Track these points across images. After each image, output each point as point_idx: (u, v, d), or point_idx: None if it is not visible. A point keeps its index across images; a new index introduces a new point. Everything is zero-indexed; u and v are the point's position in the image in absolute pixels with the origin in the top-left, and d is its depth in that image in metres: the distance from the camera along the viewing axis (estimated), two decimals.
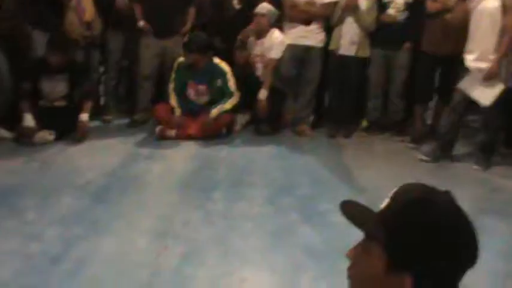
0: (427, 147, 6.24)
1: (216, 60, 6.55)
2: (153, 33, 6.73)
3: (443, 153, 6.02)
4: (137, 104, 6.97)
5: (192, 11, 6.92)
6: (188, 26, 6.92)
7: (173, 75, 6.60)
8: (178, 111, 6.53)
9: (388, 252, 1.25)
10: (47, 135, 6.08)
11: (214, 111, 6.45)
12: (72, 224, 4.15)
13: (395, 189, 1.33)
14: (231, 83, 6.53)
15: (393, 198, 1.31)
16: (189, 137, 6.39)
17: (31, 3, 6.44)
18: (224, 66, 6.55)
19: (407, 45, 6.56)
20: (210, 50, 6.52)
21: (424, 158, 6.03)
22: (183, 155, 5.97)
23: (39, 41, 6.40)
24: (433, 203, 1.26)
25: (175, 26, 6.84)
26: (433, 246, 1.22)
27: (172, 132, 6.41)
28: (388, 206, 1.30)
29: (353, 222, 1.34)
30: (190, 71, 6.53)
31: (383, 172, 5.48)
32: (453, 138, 6.06)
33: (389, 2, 6.49)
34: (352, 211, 1.37)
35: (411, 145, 6.50)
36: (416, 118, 6.70)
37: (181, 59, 6.59)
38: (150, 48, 6.76)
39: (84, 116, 6.23)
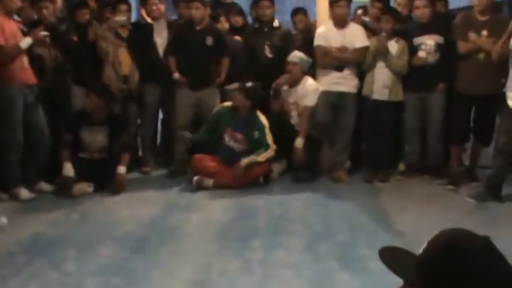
0: (470, 189, 6.17)
1: (259, 113, 6.63)
2: (188, 85, 6.83)
3: (492, 197, 5.93)
4: (174, 155, 7.04)
5: (226, 62, 7.03)
6: (223, 77, 7.03)
7: (211, 116, 6.76)
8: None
9: None
10: (86, 187, 6.18)
11: (245, 161, 6.47)
12: (111, 275, 4.18)
13: (433, 235, 1.32)
14: (269, 137, 6.57)
15: (431, 244, 1.31)
16: (227, 187, 6.42)
17: (71, 59, 6.62)
18: (263, 119, 6.62)
19: (441, 86, 6.54)
20: (258, 103, 6.62)
21: (470, 200, 5.95)
22: (221, 205, 5.99)
23: (79, 95, 6.57)
24: (469, 249, 1.26)
25: (210, 77, 6.95)
26: None
27: (209, 182, 6.45)
28: (425, 252, 1.30)
29: (391, 268, 1.33)
30: (231, 117, 6.63)
31: (422, 216, 5.42)
32: (501, 181, 5.95)
33: (419, 45, 6.51)
34: (391, 257, 1.37)
35: (450, 187, 6.43)
36: (453, 159, 6.64)
37: (225, 103, 6.73)
38: (185, 100, 6.87)
39: (122, 169, 6.33)
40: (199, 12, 6.82)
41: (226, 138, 6.68)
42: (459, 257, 1.24)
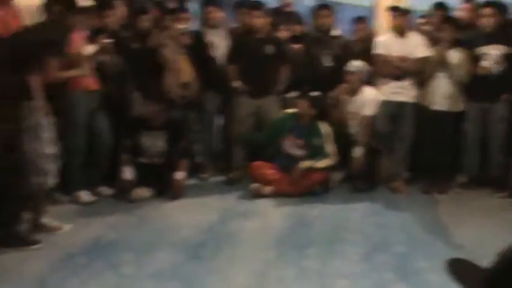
0: None
1: (321, 122, 6.65)
2: (248, 93, 6.87)
3: None
4: (232, 162, 7.09)
5: (285, 70, 7.03)
6: (282, 85, 7.04)
7: (273, 121, 6.81)
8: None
9: None
10: (145, 192, 6.26)
11: (305, 164, 6.50)
12: (168, 279, 4.23)
13: (503, 248, 1.30)
14: (330, 145, 6.57)
15: (501, 258, 1.28)
16: (284, 195, 6.42)
17: (132, 66, 6.73)
18: (326, 128, 6.63)
19: (505, 97, 6.42)
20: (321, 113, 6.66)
21: None
22: (278, 212, 6.00)
23: (139, 101, 6.67)
24: None
25: (269, 86, 6.97)
26: None
27: (268, 190, 6.47)
28: (495, 265, 1.27)
29: (458, 281, 1.31)
30: (293, 124, 6.66)
31: (481, 229, 5.33)
32: None
33: (483, 54, 6.41)
34: (457, 269, 1.35)
35: (511, 200, 6.30)
36: None
37: (289, 110, 6.76)
38: (244, 108, 6.91)
39: (180, 175, 6.39)
40: (260, 21, 6.87)
41: (287, 144, 6.69)
42: None
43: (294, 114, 6.71)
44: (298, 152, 6.65)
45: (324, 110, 6.74)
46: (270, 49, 6.91)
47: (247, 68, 6.72)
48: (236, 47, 6.97)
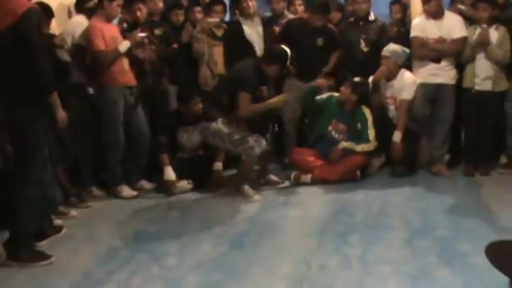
0: None
1: (362, 106, 6.64)
2: (297, 76, 6.90)
3: None
4: (287, 149, 7.12)
5: (335, 55, 7.10)
6: (330, 65, 7.09)
7: (317, 100, 6.78)
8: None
9: None
10: (186, 184, 6.31)
11: (344, 144, 6.52)
12: (211, 270, 4.26)
13: None
14: (371, 131, 6.56)
15: None
16: (325, 182, 6.42)
17: (168, 60, 6.78)
18: (368, 112, 6.62)
19: None
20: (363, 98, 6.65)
21: None
22: (319, 200, 6.01)
23: (175, 95, 6.71)
24: None
25: (318, 69, 6.99)
26: None
27: (307, 177, 6.47)
28: None
29: (496, 266, 1.29)
30: (338, 110, 6.67)
31: None
32: None
33: None
34: (497, 253, 1.33)
35: None
36: None
37: (334, 93, 6.75)
38: (292, 92, 6.86)
39: (218, 165, 6.43)
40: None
41: (330, 128, 6.69)
42: None
43: (337, 100, 6.70)
44: (340, 137, 6.64)
45: (366, 95, 6.70)
46: (321, 41, 6.96)
47: (297, 57, 6.63)
48: (287, 37, 6.90)
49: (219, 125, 6.15)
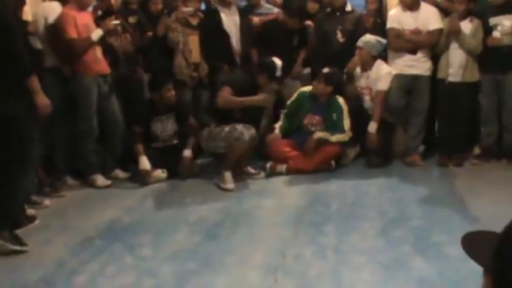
0: None
1: (338, 97, 6.63)
2: None
3: None
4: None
5: (303, 53, 7.26)
6: (297, 69, 7.25)
7: (290, 103, 6.77)
8: (277, 131, 6.72)
9: (496, 285, 1.21)
10: (160, 173, 6.29)
11: (319, 134, 6.52)
12: (186, 260, 4.25)
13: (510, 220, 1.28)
14: (346, 121, 6.56)
15: (507, 229, 1.26)
16: (300, 172, 6.42)
17: (143, 49, 6.73)
18: (343, 102, 6.61)
19: None
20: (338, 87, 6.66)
21: None
22: (294, 190, 6.01)
23: (149, 85, 6.68)
24: None
25: (290, 68, 7.05)
26: None
27: (282, 168, 6.47)
28: (501, 238, 1.25)
29: (470, 255, 1.30)
30: (312, 102, 6.66)
31: (498, 201, 5.27)
32: None
33: (495, 25, 6.32)
34: (472, 243, 1.33)
35: None
36: None
37: (304, 88, 6.79)
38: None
39: (187, 152, 6.43)
40: None
41: (305, 122, 6.69)
42: None
43: (311, 93, 6.70)
44: (315, 128, 6.63)
45: (340, 85, 6.71)
46: (296, 41, 7.13)
47: (270, 54, 6.63)
48: (262, 36, 7.11)
49: (210, 127, 6.21)
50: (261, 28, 7.21)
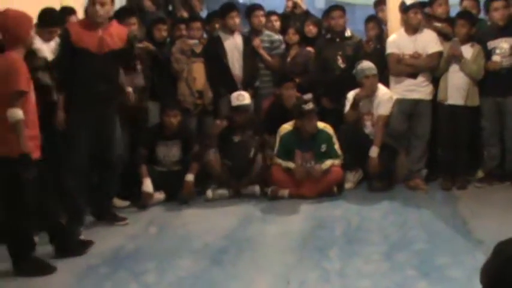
0: None
1: (321, 124, 6.63)
2: None
3: None
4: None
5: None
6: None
7: (277, 146, 6.72)
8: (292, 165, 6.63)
9: None
10: (158, 195, 6.42)
11: (328, 162, 6.52)
12: (191, 286, 4.27)
13: (499, 242, 1.30)
14: (337, 146, 6.60)
15: (496, 252, 1.28)
16: (302, 197, 6.44)
17: (148, 77, 6.77)
18: (329, 130, 6.63)
19: None
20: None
21: None
22: (297, 215, 6.02)
23: (154, 111, 6.72)
24: None
25: None
26: None
27: (285, 192, 6.49)
28: (490, 259, 1.27)
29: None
30: (295, 139, 6.65)
31: (502, 223, 5.26)
32: None
33: (494, 48, 6.36)
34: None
35: None
36: None
37: (283, 129, 6.70)
38: None
39: (190, 176, 6.48)
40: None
41: (298, 160, 6.63)
42: None
43: (291, 128, 6.68)
44: (310, 163, 6.62)
45: (335, 111, 6.72)
46: None
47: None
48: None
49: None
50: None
